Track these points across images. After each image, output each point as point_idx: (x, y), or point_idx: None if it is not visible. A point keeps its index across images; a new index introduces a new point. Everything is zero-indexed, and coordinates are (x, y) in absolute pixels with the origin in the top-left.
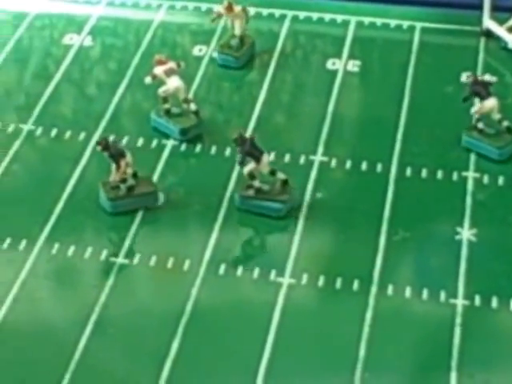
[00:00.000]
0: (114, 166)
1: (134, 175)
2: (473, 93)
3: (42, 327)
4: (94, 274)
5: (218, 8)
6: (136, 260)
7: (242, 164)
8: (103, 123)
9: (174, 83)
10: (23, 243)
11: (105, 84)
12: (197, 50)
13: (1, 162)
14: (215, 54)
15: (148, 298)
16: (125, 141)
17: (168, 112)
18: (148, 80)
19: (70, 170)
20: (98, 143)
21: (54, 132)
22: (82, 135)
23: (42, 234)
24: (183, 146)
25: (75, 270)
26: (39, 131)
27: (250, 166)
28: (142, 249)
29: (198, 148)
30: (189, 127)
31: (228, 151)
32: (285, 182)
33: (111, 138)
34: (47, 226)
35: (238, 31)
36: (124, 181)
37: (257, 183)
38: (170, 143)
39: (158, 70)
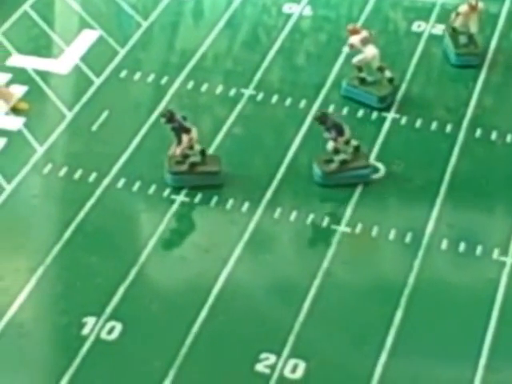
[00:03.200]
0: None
1: (202, 152)
2: None
3: (265, 288)
4: (316, 240)
5: (462, 7)
6: (358, 229)
7: (336, 139)
8: (324, 91)
9: (370, 51)
10: (246, 205)
11: (314, 55)
12: (416, 26)
13: (223, 124)
14: (435, 31)
15: (368, 268)
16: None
17: (363, 81)
18: (347, 49)
19: (293, 135)
20: (162, 115)
21: (274, 98)
22: (303, 103)
23: (264, 198)
24: (404, 119)
25: (295, 234)
26: (260, 96)
27: (331, 140)
28: (364, 219)
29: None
30: (386, 95)
31: (435, 126)
32: (357, 148)
33: (179, 113)
34: (269, 189)
35: (474, 29)
36: (186, 156)
37: (342, 156)
38: (390, 116)
39: (355, 40)
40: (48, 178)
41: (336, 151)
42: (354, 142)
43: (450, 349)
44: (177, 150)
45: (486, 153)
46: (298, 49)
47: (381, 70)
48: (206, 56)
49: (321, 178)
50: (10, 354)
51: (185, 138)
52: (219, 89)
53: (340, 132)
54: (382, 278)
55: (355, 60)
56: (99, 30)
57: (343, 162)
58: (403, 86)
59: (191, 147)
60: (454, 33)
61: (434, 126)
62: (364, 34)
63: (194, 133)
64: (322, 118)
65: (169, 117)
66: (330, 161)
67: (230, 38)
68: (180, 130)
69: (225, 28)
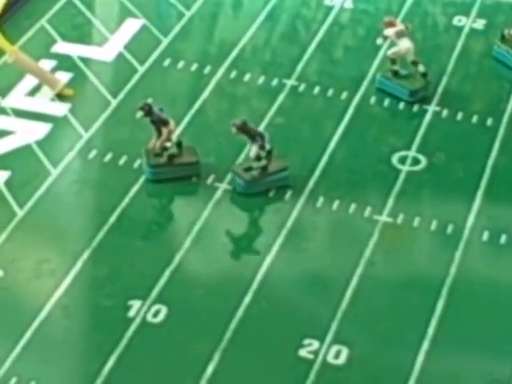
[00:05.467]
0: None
1: (179, 144)
2: None
3: (307, 275)
4: (358, 229)
5: None
6: (399, 220)
7: (263, 146)
8: (365, 84)
9: (405, 45)
10: (288, 194)
11: (353, 48)
12: (456, 21)
13: (266, 114)
14: (475, 26)
15: (409, 258)
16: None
17: (396, 73)
18: (380, 41)
19: (332, 128)
20: (140, 108)
21: (316, 89)
22: (345, 94)
23: (307, 187)
24: (444, 112)
25: (338, 223)
26: (302, 87)
27: (256, 147)
28: (406, 209)
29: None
30: (418, 89)
31: (475, 119)
32: (269, 152)
33: (156, 106)
34: (311, 179)
35: None
36: (165, 149)
37: (263, 162)
38: (431, 108)
39: (390, 32)
40: (93, 164)
41: (258, 158)
42: (267, 146)
43: (491, 340)
44: (157, 143)
45: None
46: (336, 42)
47: (415, 64)
48: (246, 47)
49: (243, 187)
50: (56, 335)
51: (164, 130)
52: (261, 79)
53: (263, 138)
54: (424, 269)
55: (389, 52)
56: (142, 19)
57: (264, 168)
58: (444, 80)
59: (169, 139)
60: (503, 39)
61: (474, 119)
62: (400, 27)
63: (172, 124)
64: (243, 128)
65: (147, 110)
66: (250, 168)
67: (269, 30)
68: (159, 122)
69: (265, 20)
